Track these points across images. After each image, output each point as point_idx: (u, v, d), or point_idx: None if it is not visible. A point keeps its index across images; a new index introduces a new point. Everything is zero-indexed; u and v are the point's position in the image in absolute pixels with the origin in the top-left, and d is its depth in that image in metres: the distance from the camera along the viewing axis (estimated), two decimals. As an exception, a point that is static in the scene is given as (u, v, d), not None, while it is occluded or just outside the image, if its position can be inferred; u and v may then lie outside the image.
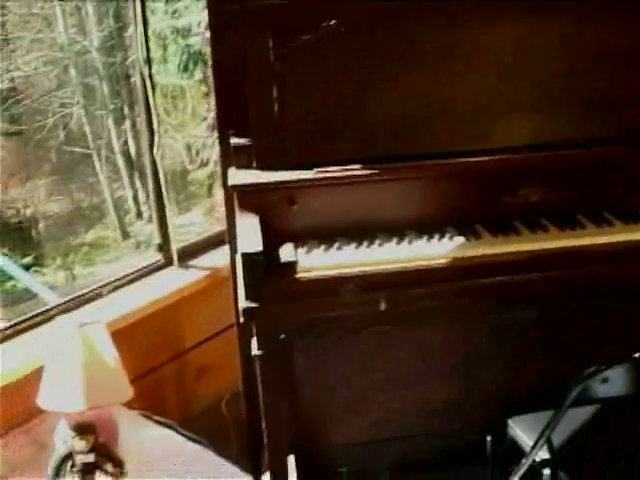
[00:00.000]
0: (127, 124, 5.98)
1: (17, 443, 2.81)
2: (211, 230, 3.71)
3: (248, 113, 2.66)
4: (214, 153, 5.55)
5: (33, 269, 5.53)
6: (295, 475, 2.94)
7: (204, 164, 5.77)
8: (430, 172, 2.67)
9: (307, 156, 2.64)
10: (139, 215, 5.97)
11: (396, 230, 2.64)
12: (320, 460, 3.14)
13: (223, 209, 2.97)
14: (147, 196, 5.75)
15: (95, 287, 3.19)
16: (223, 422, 3.25)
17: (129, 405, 2.85)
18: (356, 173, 2.61)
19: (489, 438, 3.16)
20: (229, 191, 2.72)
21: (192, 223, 5.41)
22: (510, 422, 2.86)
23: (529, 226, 2.64)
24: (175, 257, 3.32)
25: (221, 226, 3.55)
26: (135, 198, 5.98)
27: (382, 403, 3.11)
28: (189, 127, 6.02)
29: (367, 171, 2.62)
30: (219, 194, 5.65)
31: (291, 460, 2.94)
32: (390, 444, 3.18)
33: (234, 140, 2.71)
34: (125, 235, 5.97)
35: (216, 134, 2.92)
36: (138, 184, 5.94)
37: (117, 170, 5.98)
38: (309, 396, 3.04)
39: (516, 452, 2.78)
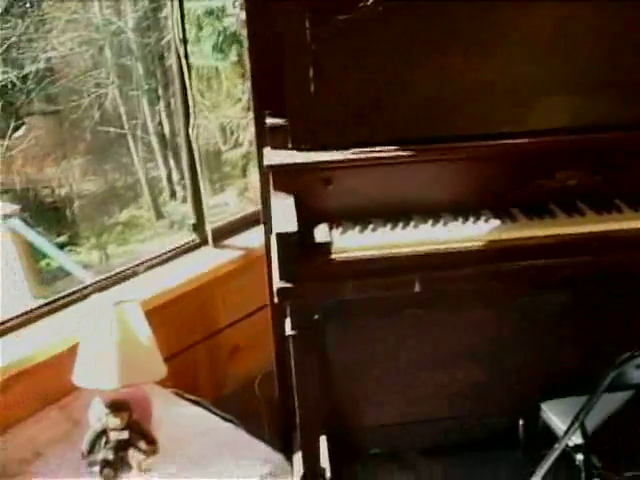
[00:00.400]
0: (161, 104, 6.00)
1: (52, 419, 2.84)
2: (245, 211, 3.71)
3: (284, 93, 2.65)
4: (248, 134, 5.56)
5: (67, 248, 5.58)
6: (326, 456, 2.95)
7: (238, 145, 5.78)
8: (466, 154, 2.65)
9: (343, 137, 2.62)
10: (173, 195, 6.00)
11: (431, 212, 2.62)
12: (352, 441, 3.15)
13: (257, 190, 2.96)
14: (181, 176, 5.79)
15: (130, 266, 3.20)
16: (255, 402, 3.26)
17: (162, 383, 2.87)
18: (392, 154, 2.59)
19: (521, 422, 3.15)
20: (264, 171, 2.71)
21: (226, 204, 5.43)
22: (543, 406, 2.85)
23: (565, 209, 2.61)
24: (210, 237, 3.32)
25: (255, 207, 3.56)
26: (169, 178, 6.01)
27: (414, 385, 3.10)
28: (223, 108, 6.03)
29: (403, 152, 2.60)
30: (253, 175, 5.68)
31: (323, 441, 2.95)
32: (422, 427, 3.18)
33: (269, 120, 2.70)
34: (159, 215, 6.00)
35: (251, 115, 2.91)
36: (172, 164, 5.96)
37: (151, 150, 6.01)
38: (341, 377, 3.04)
39: (548, 437, 2.77)
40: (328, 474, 2.90)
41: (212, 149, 5.97)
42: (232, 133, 5.99)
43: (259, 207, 3.01)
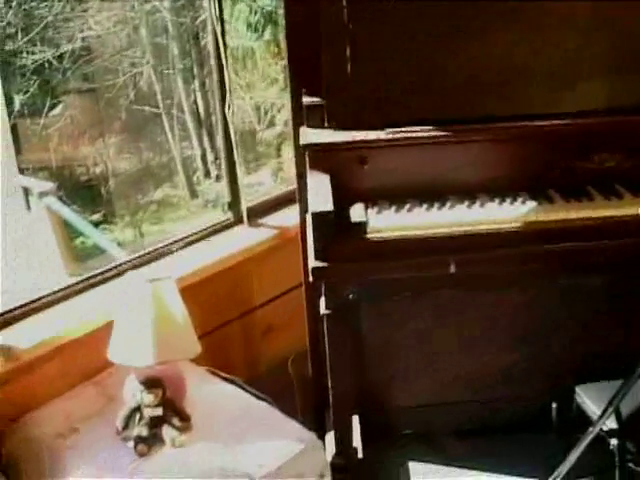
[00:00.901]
0: (196, 84, 6.00)
1: (87, 395, 2.86)
2: (279, 190, 3.71)
3: (321, 72, 2.64)
4: (283, 113, 5.56)
5: (102, 226, 5.60)
6: (359, 435, 2.95)
7: (272, 125, 5.78)
8: (504, 135, 2.64)
9: (379, 116, 2.62)
10: (207, 174, 6.01)
11: (467, 193, 2.61)
12: (384, 421, 3.15)
13: (291, 169, 2.96)
14: (215, 155, 5.79)
15: (166, 243, 3.21)
16: (289, 381, 3.27)
17: (196, 361, 2.88)
18: (429, 134, 2.59)
19: (555, 405, 3.13)
20: (300, 150, 2.71)
21: (260, 183, 5.43)
22: (578, 390, 2.83)
23: (603, 192, 2.60)
24: (245, 215, 3.32)
25: (289, 186, 3.57)
26: (203, 157, 6.02)
27: (448, 367, 3.09)
28: (258, 88, 6.02)
29: (440, 132, 2.59)
30: (287, 154, 5.68)
31: (355, 420, 2.95)
32: (454, 408, 3.17)
33: (306, 99, 2.70)
34: (193, 194, 6.02)
35: (286, 94, 2.91)
36: (206, 143, 5.97)
37: (186, 129, 6.02)
38: (375, 357, 3.04)
39: (582, 421, 2.75)
40: (360, 454, 2.91)
41: (246, 129, 5.97)
42: (266, 113, 5.99)
43: (293, 187, 3.01)
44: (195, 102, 6.02)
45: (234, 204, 3.35)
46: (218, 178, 5.73)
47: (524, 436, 3.13)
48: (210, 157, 5.94)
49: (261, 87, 6.04)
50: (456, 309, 3.00)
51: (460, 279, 2.68)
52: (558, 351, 3.11)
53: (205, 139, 5.97)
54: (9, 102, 5.26)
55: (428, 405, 3.15)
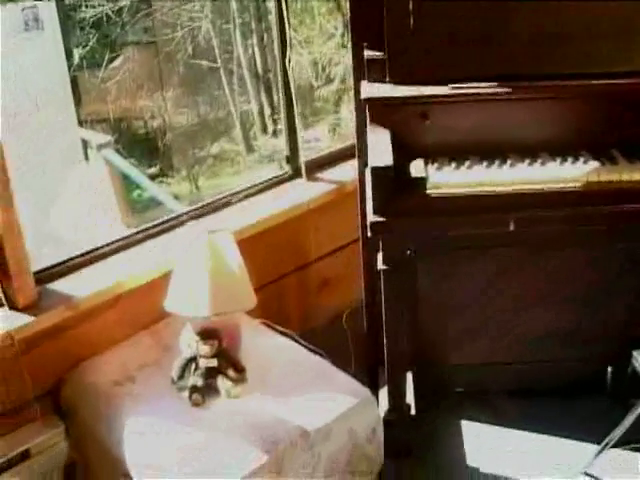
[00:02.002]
0: (254, 39, 5.99)
1: (143, 344, 2.89)
2: (336, 146, 3.69)
3: (382, 26, 2.61)
4: (341, 69, 5.52)
5: (158, 179, 5.64)
6: (412, 392, 2.95)
7: (330, 81, 5.75)
8: (568, 92, 2.60)
9: (442, 71, 2.59)
10: (264, 129, 6.00)
11: (529, 151, 2.58)
12: (438, 379, 3.14)
13: (348, 125, 2.95)
14: (272, 110, 5.79)
15: (224, 196, 3.21)
16: (343, 336, 3.27)
17: (252, 314, 2.89)
18: (492, 90, 2.55)
19: (610, 369, 3.11)
20: (361, 104, 2.69)
21: (316, 139, 5.42)
22: (635, 354, 2.79)
23: (669, 153, 2.55)
24: (303, 169, 3.31)
25: (345, 142, 3.55)
26: (260, 112, 6.01)
27: (503, 326, 3.07)
28: (315, 43, 5.99)
29: (503, 89, 2.56)
30: (344, 110, 5.65)
31: (409, 377, 2.95)
32: (508, 368, 3.15)
33: (367, 53, 2.68)
34: (249, 149, 6.02)
35: (343, 50, 2.88)
36: (264, 98, 5.96)
37: (243, 84, 6.01)
38: (430, 314, 3.03)
39: (638, 385, 2.73)
40: (413, 410, 2.91)
41: (304, 84, 5.94)
42: (324, 69, 5.95)
43: (351, 142, 3.00)
44: (253, 57, 6.01)
45: (293, 158, 3.34)
46: (275, 133, 5.73)
47: (578, 399, 3.12)
48: (267, 112, 5.93)
49: (319, 43, 6.00)
50: (514, 268, 2.98)
51: (519, 238, 2.66)
52: (616, 314, 3.07)
53: (262, 94, 5.97)
54: (69, 56, 5.30)
55: (482, 364, 3.14)
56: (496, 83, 2.56)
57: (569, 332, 3.09)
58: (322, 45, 5.96)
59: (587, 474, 2.82)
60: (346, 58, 4.97)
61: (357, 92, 2.74)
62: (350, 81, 2.92)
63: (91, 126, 5.46)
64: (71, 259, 2.89)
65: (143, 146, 5.77)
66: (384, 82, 2.62)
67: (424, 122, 2.56)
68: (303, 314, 3.38)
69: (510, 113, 2.61)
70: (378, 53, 2.65)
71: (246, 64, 5.98)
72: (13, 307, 2.66)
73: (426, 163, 2.51)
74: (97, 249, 2.94)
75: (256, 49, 5.97)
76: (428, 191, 2.42)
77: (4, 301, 2.67)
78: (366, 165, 2.60)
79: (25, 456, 2.70)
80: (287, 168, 3.36)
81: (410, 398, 2.94)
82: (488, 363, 3.13)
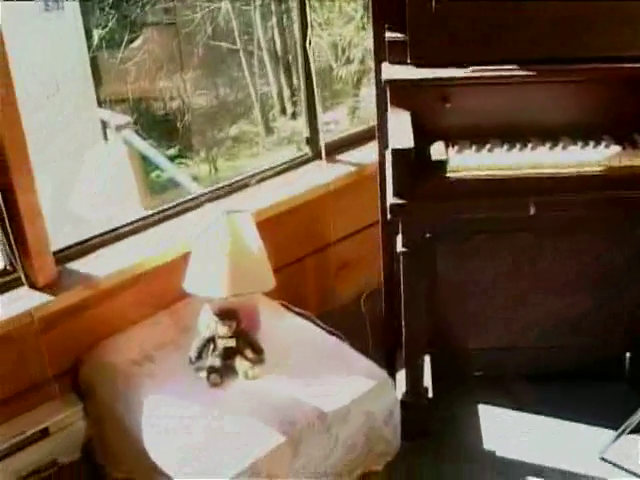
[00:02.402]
0: (274, 20, 5.96)
1: (162, 324, 2.90)
2: (355, 128, 3.68)
3: (404, 8, 2.60)
4: (359, 51, 5.50)
5: (177, 161, 5.64)
6: (429, 375, 2.95)
7: (349, 63, 5.72)
8: (589, 76, 2.58)
9: (463, 53, 2.58)
10: (283, 111, 5.99)
11: (549, 135, 2.57)
12: (455, 362, 3.14)
13: (367, 108, 2.94)
14: (291, 92, 5.77)
15: (243, 177, 3.21)
16: (361, 318, 3.27)
17: (270, 295, 2.90)
18: (513, 73, 2.54)
19: (629, 355, 3.10)
20: (381, 86, 2.68)
21: (335, 121, 5.39)
22: (654, 340, 2.80)
23: (692, 138, 2.54)
24: (323, 151, 3.30)
25: (364, 125, 3.54)
26: (279, 94, 6.00)
27: (522, 311, 3.07)
28: (335, 25, 5.96)
29: (524, 72, 2.55)
30: (364, 93, 5.63)
31: (426, 360, 2.95)
32: (527, 353, 3.15)
33: (389, 34, 2.66)
34: (268, 130, 6.01)
35: (363, 32, 2.87)
36: (283, 80, 5.94)
37: (262, 66, 5.99)
38: (449, 298, 3.02)
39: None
40: (430, 393, 2.91)
41: (323, 66, 5.92)
42: (343, 51, 5.93)
43: (370, 125, 2.99)
44: (272, 39, 5.99)
45: (313, 140, 3.33)
46: (293, 115, 5.71)
47: (595, 385, 3.11)
48: (286, 94, 5.91)
49: (339, 25, 5.97)
50: (533, 253, 2.97)
51: (539, 222, 2.65)
52: (635, 301, 3.05)
53: (282, 76, 5.95)
54: (88, 36, 5.30)
55: (500, 348, 3.13)
56: (517, 66, 2.54)
57: (587, 317, 3.08)
58: (342, 27, 5.94)
59: (604, 459, 2.82)
60: (365, 40, 4.95)
61: (378, 74, 2.73)
62: (369, 64, 2.91)
63: (110, 107, 5.46)
64: (91, 239, 2.90)
65: (162, 127, 5.76)
66: (405, 64, 2.60)
67: (445, 105, 2.56)
68: (321, 296, 3.38)
69: (531, 96, 2.60)
70: (399, 35, 2.63)
71: (266, 46, 5.96)
72: (33, 286, 2.68)
73: (446, 146, 2.51)
74: (117, 229, 2.95)
75: (276, 31, 5.95)
76: (448, 174, 2.42)
77: (24, 280, 2.69)
78: (386, 147, 2.60)
79: (44, 434, 2.72)
80: (307, 150, 3.36)
81: (427, 381, 2.94)
82: (506, 347, 3.13)
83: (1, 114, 2.45)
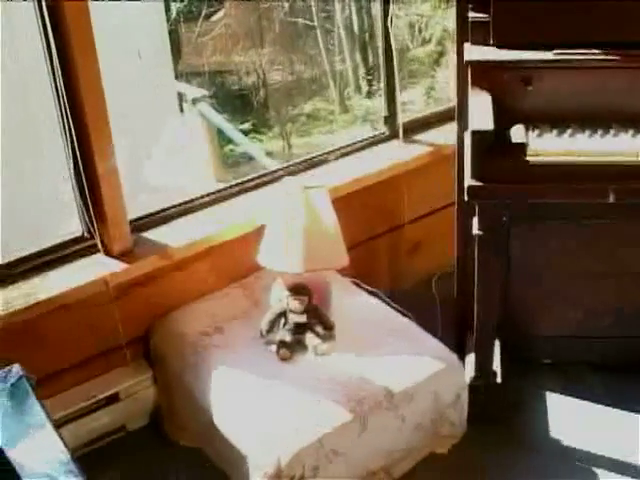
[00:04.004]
0: (351, -2, 5.96)
1: (233, 297, 2.92)
2: (432, 109, 3.66)
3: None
4: (436, 31, 5.46)
5: (251, 135, 5.67)
6: (499, 360, 2.93)
7: (426, 43, 5.68)
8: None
9: (547, 36, 2.54)
10: (358, 89, 5.98)
11: (632, 122, 2.52)
12: (525, 349, 3.11)
13: (444, 89, 2.92)
14: (367, 71, 5.76)
15: (321, 153, 3.21)
16: (431, 299, 3.26)
17: (342, 272, 2.90)
18: (598, 57, 2.49)
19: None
20: (463, 67, 2.65)
21: (411, 102, 5.37)
22: None
23: None
24: (400, 130, 3.29)
25: (441, 106, 3.51)
26: (355, 72, 5.99)
27: (595, 299, 3.01)
28: (413, 4, 5.92)
29: (609, 56, 2.49)
30: (440, 74, 5.60)
31: (496, 345, 2.93)
32: (597, 342, 3.10)
33: (472, 15, 2.63)
34: (343, 108, 6.01)
35: (440, 11, 2.84)
36: (359, 59, 5.94)
37: (339, 44, 5.99)
38: (522, 283, 2.98)
39: None
40: (499, 378, 2.89)
41: (399, 46, 5.90)
42: (420, 31, 5.89)
43: (447, 105, 2.96)
44: (349, 17, 5.98)
45: (390, 119, 3.32)
46: (369, 94, 5.70)
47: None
48: (361, 73, 5.91)
49: (416, 4, 5.94)
50: (610, 240, 2.91)
51: (617, 210, 2.61)
52: None
53: (357, 54, 5.94)
54: (167, 9, 5.35)
55: (571, 337, 3.08)
56: (602, 50, 2.49)
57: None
58: (419, 6, 5.90)
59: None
60: (444, 20, 4.92)
61: (460, 54, 2.69)
62: (447, 44, 2.89)
63: (187, 80, 5.51)
64: (166, 209, 2.93)
65: (237, 101, 5.80)
66: (488, 45, 2.57)
67: (526, 87, 2.52)
68: (393, 276, 3.38)
69: (615, 81, 2.55)
70: (483, 15, 2.60)
71: (342, 24, 5.95)
72: (109, 254, 2.72)
73: (527, 129, 2.47)
74: (192, 200, 2.97)
75: (353, 9, 5.93)
76: (528, 157, 2.39)
77: (100, 247, 2.73)
78: (465, 129, 2.57)
79: (114, 399, 2.78)
80: (383, 129, 3.35)
81: (496, 366, 2.91)
82: (578, 335, 3.08)
83: (83, 79, 2.48)
